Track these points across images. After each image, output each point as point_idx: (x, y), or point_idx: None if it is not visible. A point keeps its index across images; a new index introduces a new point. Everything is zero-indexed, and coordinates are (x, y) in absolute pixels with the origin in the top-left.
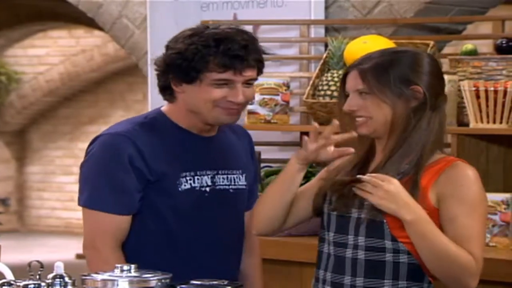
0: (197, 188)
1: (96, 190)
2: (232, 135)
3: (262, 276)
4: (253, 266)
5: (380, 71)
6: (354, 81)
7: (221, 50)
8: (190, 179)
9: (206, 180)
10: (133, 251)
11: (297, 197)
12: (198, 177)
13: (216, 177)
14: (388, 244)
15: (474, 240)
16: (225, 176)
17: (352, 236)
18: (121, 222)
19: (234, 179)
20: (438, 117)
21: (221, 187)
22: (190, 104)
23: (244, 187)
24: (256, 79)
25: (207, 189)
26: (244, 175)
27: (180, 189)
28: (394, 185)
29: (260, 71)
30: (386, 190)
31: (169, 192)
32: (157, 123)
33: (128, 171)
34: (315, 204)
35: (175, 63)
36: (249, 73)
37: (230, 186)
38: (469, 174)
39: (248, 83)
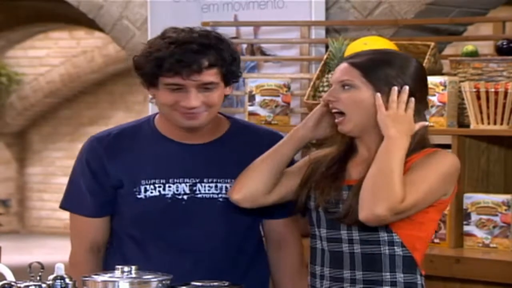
0: (168, 196)
1: (66, 191)
2: (243, 143)
3: None
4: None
5: (368, 67)
6: (340, 73)
7: (170, 54)
8: (159, 187)
9: (184, 188)
10: (111, 257)
11: (283, 175)
12: (171, 184)
13: (197, 185)
14: (382, 236)
15: (414, 187)
16: (212, 185)
17: (345, 231)
18: (88, 224)
19: (227, 188)
20: (419, 120)
21: (205, 195)
22: (159, 107)
23: None
24: (214, 83)
25: (185, 197)
26: None
27: (139, 196)
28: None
29: (225, 76)
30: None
31: (127, 199)
32: (141, 129)
33: (85, 173)
34: (298, 197)
35: (139, 67)
36: (201, 78)
37: (220, 195)
38: (447, 154)
39: (206, 87)
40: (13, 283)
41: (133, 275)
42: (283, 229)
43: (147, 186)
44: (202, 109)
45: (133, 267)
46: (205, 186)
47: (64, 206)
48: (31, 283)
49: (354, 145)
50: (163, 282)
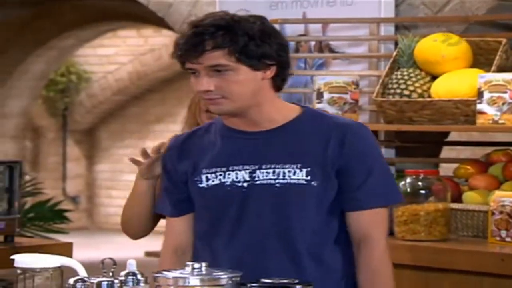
0: (228, 183)
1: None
2: (309, 131)
3: None
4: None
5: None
6: None
7: (181, 40)
8: (220, 175)
9: (244, 175)
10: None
11: None
12: (230, 172)
13: (257, 172)
14: None
15: None
16: (270, 171)
17: None
18: (170, 225)
19: (284, 173)
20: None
21: (264, 181)
22: None
23: (303, 182)
24: (223, 65)
25: (245, 184)
26: (305, 170)
27: (201, 185)
28: None
29: (243, 58)
30: None
31: (193, 191)
32: (213, 125)
33: (163, 174)
34: None
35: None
36: (204, 60)
37: (277, 181)
38: None
39: (217, 70)
40: (86, 279)
41: (204, 272)
42: (364, 224)
43: (208, 175)
44: (217, 95)
45: (203, 264)
46: (263, 172)
47: (156, 209)
48: (104, 279)
49: None
50: (233, 279)
